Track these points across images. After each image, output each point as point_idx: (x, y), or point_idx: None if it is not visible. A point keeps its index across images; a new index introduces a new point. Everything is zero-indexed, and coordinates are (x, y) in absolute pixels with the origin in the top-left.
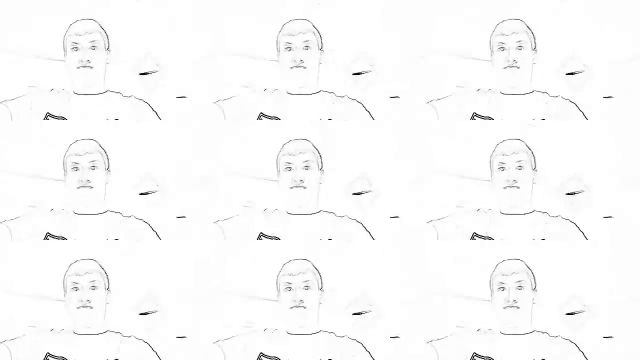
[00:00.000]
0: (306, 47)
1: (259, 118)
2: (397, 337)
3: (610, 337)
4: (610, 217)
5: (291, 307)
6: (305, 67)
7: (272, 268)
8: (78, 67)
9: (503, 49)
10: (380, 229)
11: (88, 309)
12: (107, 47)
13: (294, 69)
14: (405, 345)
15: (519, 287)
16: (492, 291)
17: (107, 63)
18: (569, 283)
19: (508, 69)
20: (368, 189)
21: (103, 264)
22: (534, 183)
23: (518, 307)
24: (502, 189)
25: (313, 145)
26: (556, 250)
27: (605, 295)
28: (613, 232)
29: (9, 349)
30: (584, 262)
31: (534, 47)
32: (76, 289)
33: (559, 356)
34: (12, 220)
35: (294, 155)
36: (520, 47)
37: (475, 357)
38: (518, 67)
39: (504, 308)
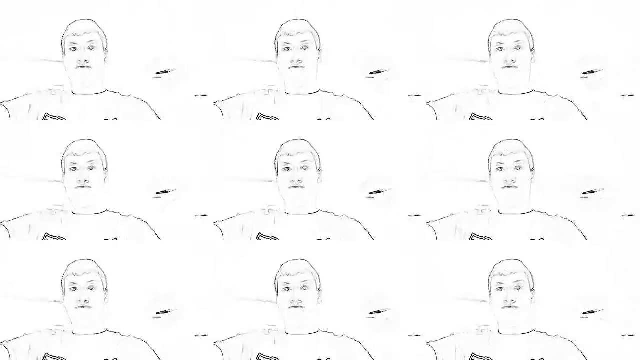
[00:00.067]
0: (304, 47)
1: (257, 118)
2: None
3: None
4: (631, 215)
5: (289, 307)
6: (303, 67)
7: (271, 268)
8: (76, 67)
9: (501, 49)
10: (380, 229)
11: (86, 309)
12: (105, 47)
13: (292, 69)
14: (404, 345)
15: (518, 287)
16: (490, 291)
17: (105, 63)
18: (569, 283)
19: (506, 69)
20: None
21: (101, 264)
22: (532, 183)
23: (516, 307)
24: (500, 189)
25: (311, 145)
26: (555, 250)
27: (605, 295)
28: (613, 232)
29: (8, 350)
30: (583, 262)
31: (532, 47)
32: (74, 289)
33: (557, 356)
34: (10, 221)
35: (292, 155)
36: (518, 47)
37: (474, 357)
38: (516, 67)
39: (503, 308)
